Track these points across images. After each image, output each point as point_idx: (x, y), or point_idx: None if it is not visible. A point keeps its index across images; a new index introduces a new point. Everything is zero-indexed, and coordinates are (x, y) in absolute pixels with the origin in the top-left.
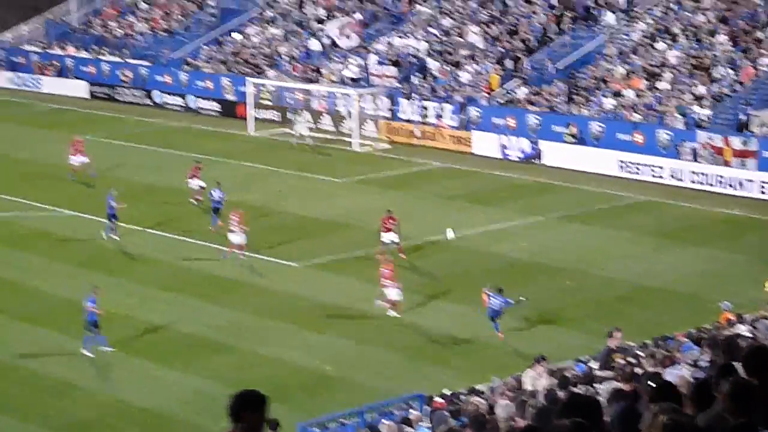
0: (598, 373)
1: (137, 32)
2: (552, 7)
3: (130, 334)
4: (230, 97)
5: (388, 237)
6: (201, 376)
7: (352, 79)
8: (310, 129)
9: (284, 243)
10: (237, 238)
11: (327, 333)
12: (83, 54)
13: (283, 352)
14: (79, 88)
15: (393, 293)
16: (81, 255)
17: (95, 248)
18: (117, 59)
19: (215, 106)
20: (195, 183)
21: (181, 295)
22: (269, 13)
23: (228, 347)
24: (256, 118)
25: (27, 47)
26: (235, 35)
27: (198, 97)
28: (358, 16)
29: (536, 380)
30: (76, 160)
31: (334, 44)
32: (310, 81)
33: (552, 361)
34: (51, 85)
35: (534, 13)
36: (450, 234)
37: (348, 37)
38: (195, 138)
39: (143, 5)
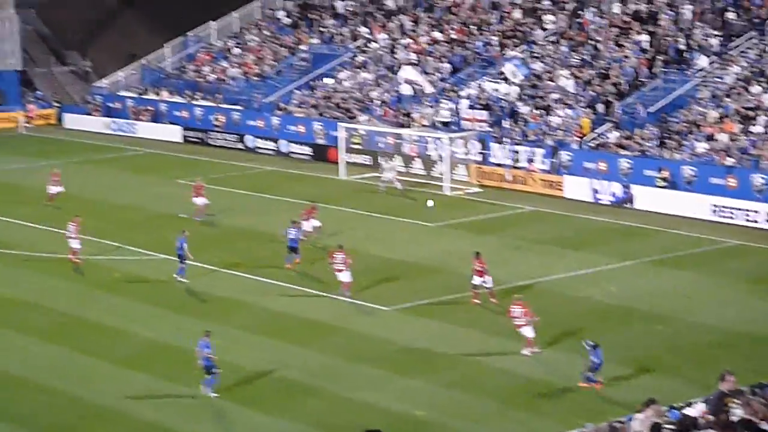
0: (699, 420)
1: (230, 77)
2: (644, 50)
3: (222, 378)
4: (322, 141)
5: (478, 280)
6: (293, 420)
7: (443, 123)
8: (399, 173)
9: (374, 287)
10: (345, 276)
11: (417, 378)
12: (177, 99)
13: (374, 396)
14: (172, 133)
15: (527, 331)
16: (175, 299)
17: (189, 293)
18: (210, 104)
19: (307, 150)
20: (310, 224)
21: (272, 339)
22: (361, 58)
23: (319, 391)
24: (348, 162)
25: (123, 93)
26: (327, 80)
27: (290, 141)
28: (427, 61)
29: (645, 423)
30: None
31: (419, 90)
32: (402, 125)
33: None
34: (146, 130)
35: (625, 57)
36: (430, 203)
37: (421, 83)
38: (286, 182)
39: (236, 50)
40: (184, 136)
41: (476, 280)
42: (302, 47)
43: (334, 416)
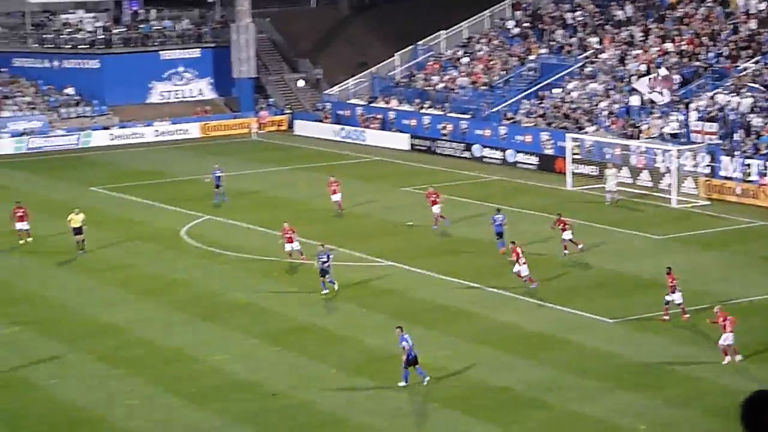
0: None
1: (458, 86)
2: None
3: (444, 386)
4: (549, 151)
5: (671, 296)
6: None
7: (672, 135)
8: (620, 184)
9: (598, 299)
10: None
11: (641, 392)
12: (405, 107)
13: (597, 410)
14: (400, 141)
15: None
16: (400, 307)
17: (416, 301)
18: (438, 112)
19: (533, 160)
20: (567, 235)
21: (496, 349)
22: (589, 69)
23: (542, 403)
24: (574, 173)
25: (353, 101)
26: (555, 90)
27: (517, 150)
28: (663, 71)
29: None
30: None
31: (650, 101)
32: (630, 137)
33: None
34: (374, 137)
35: None
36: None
37: (660, 93)
38: (512, 192)
39: (465, 59)
40: (412, 144)
41: (669, 296)
42: (531, 57)
43: (557, 429)
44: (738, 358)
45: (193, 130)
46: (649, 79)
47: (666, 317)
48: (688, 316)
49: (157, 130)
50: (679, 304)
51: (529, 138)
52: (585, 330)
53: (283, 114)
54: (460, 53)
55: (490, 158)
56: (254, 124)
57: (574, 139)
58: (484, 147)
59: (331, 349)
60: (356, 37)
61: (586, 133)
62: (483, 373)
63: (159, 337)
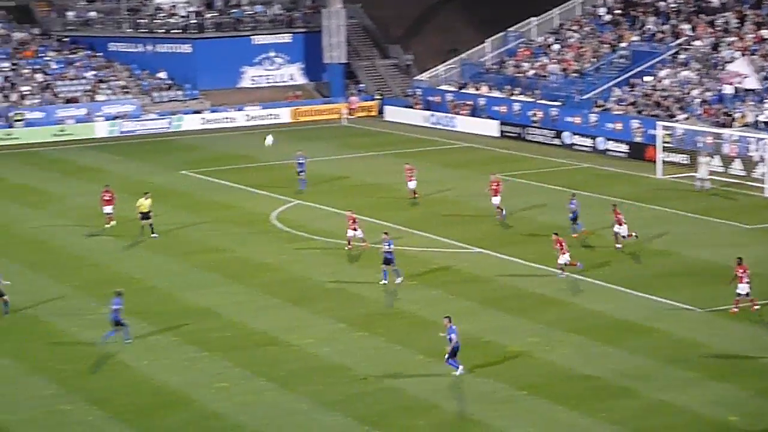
0: None
1: (549, 73)
2: None
3: (531, 373)
4: (639, 139)
5: (742, 288)
6: (605, 421)
7: (766, 123)
8: (711, 173)
9: (686, 287)
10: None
11: (730, 382)
12: (496, 94)
13: (686, 400)
14: (490, 128)
15: None
16: (489, 294)
17: (502, 288)
18: (528, 99)
19: (624, 148)
20: (622, 229)
21: (584, 337)
22: (682, 56)
23: (630, 392)
24: (664, 161)
25: (443, 87)
26: (647, 77)
27: (607, 138)
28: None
29: None
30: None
31: (744, 89)
32: (722, 125)
33: None
34: (464, 124)
35: None
36: (269, 140)
37: (748, 77)
38: (601, 179)
39: (555, 46)
40: (502, 131)
41: (740, 288)
42: (622, 44)
43: (646, 418)
44: None
45: (283, 115)
46: (740, 64)
47: (735, 309)
48: (758, 307)
49: (247, 115)
50: (746, 295)
51: (619, 126)
52: (673, 318)
53: (373, 100)
54: (551, 40)
55: (580, 146)
56: (344, 109)
57: (666, 127)
58: (574, 134)
59: (418, 334)
60: (447, 24)
61: (678, 121)
62: (571, 361)
63: (249, 320)
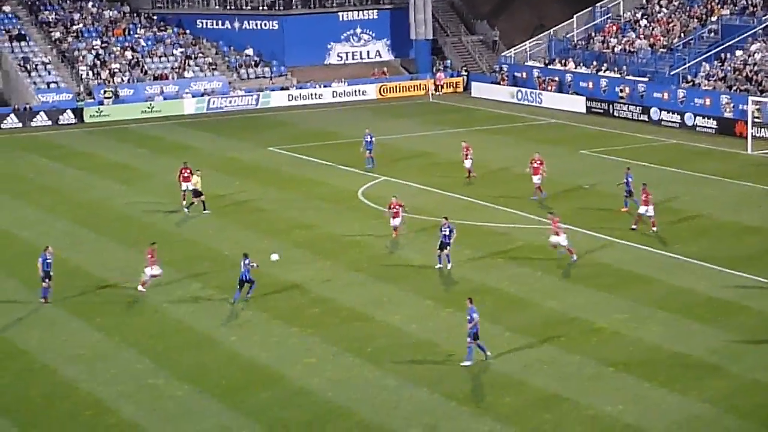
0: None
1: (637, 48)
2: None
3: (621, 350)
4: (729, 114)
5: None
6: (697, 400)
7: None
8: None
9: None
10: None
11: None
12: (582, 70)
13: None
14: (577, 104)
15: None
16: (579, 270)
17: (593, 265)
18: (615, 75)
19: (712, 124)
20: (649, 209)
21: (676, 315)
22: None
23: (722, 371)
24: (755, 137)
25: (529, 63)
26: (738, 52)
27: (695, 114)
28: None
29: None
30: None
31: None
32: None
33: None
34: (550, 100)
35: None
36: (274, 257)
37: None
38: (690, 155)
39: (643, 21)
40: (588, 107)
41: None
42: (712, 19)
43: (739, 397)
44: None
45: (370, 91)
46: None
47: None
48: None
49: (334, 92)
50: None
51: (708, 101)
52: (765, 297)
53: (459, 76)
54: (638, 15)
55: (668, 121)
56: (431, 85)
57: (756, 102)
58: (662, 110)
59: (506, 312)
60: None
61: None
62: (661, 338)
63: (337, 296)
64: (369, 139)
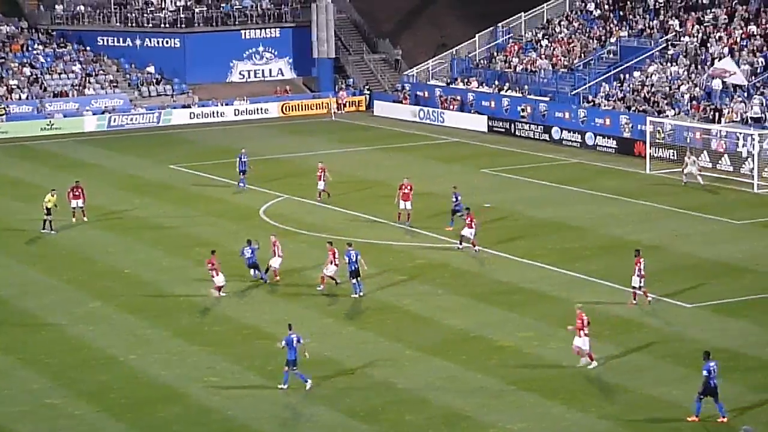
0: None
1: (538, 68)
2: None
3: (520, 368)
4: (627, 135)
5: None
6: (595, 417)
7: (755, 120)
8: (701, 169)
9: (678, 284)
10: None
11: (720, 377)
12: (484, 89)
13: (678, 395)
14: (478, 123)
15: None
16: (479, 289)
17: (494, 283)
18: (517, 94)
19: (612, 144)
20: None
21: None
22: (671, 52)
23: (620, 388)
24: (653, 157)
25: (432, 82)
26: (636, 73)
27: (596, 134)
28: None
29: None
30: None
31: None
32: (710, 121)
33: None
34: (452, 119)
35: None
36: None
37: (735, 74)
38: (591, 174)
39: (544, 41)
40: (490, 126)
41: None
42: (611, 40)
43: (637, 413)
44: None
45: (272, 109)
46: (729, 60)
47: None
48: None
49: (237, 109)
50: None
51: (608, 121)
52: (662, 313)
53: (362, 94)
54: (540, 35)
55: (569, 141)
56: (333, 104)
57: (654, 123)
58: (563, 129)
59: (409, 330)
60: (437, 18)
61: (666, 116)
62: (562, 356)
63: (240, 315)
64: (244, 159)
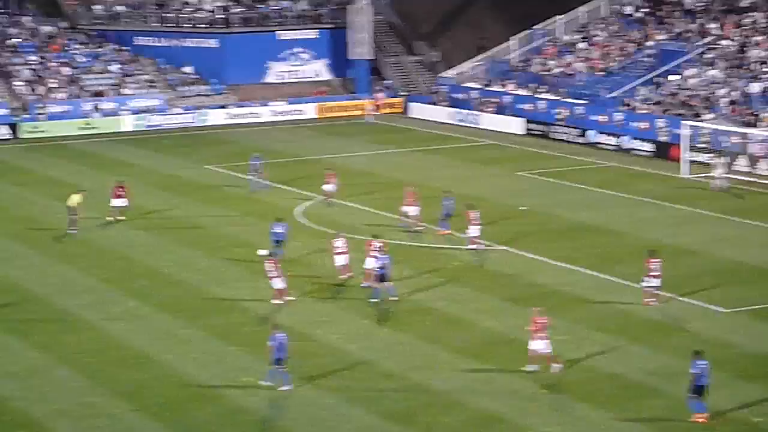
0: None
1: (575, 71)
2: None
3: (564, 374)
4: (664, 138)
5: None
6: (631, 420)
7: None
8: (730, 171)
9: (713, 288)
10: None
11: (759, 383)
12: (521, 91)
13: (714, 400)
14: (515, 125)
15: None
16: (515, 291)
17: (530, 286)
18: (554, 97)
19: (648, 147)
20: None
21: (612, 336)
22: (709, 55)
23: (658, 392)
24: (690, 161)
25: (469, 84)
26: (673, 77)
27: (632, 137)
28: None
29: None
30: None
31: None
32: (749, 125)
33: None
34: (489, 121)
35: None
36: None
37: None
38: (627, 178)
39: (582, 45)
40: (527, 129)
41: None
42: (649, 43)
43: (675, 418)
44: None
45: (308, 110)
46: None
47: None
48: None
49: (273, 110)
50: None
51: (644, 124)
52: (697, 318)
53: (398, 96)
54: (577, 38)
55: (605, 144)
56: (369, 105)
57: (691, 127)
58: (600, 133)
59: (445, 331)
60: (474, 21)
61: (703, 120)
62: (598, 360)
63: (275, 315)
64: (257, 163)
